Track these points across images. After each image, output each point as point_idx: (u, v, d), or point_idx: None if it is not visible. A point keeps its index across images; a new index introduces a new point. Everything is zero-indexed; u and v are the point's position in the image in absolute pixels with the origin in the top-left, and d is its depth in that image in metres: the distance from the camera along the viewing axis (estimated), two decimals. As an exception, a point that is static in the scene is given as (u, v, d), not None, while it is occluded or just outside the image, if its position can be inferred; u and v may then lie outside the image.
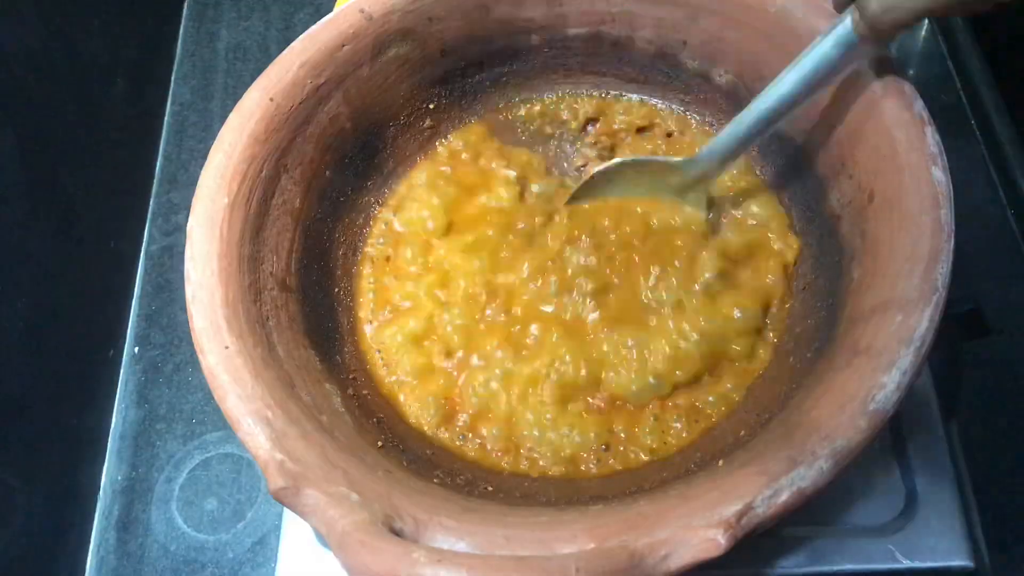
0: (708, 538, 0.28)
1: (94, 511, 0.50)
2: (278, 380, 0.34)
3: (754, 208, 0.45)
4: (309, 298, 0.41)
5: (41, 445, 0.48)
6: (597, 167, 0.45)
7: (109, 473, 0.51)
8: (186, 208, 0.38)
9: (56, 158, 0.52)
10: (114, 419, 0.53)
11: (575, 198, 0.46)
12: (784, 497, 0.29)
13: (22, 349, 0.47)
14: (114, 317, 0.56)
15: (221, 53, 0.68)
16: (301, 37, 0.42)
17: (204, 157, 0.39)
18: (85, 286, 0.54)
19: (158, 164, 0.62)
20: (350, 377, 0.41)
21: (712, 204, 0.45)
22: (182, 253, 0.37)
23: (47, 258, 0.50)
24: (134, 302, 0.57)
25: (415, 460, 0.38)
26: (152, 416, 0.53)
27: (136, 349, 0.55)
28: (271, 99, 0.40)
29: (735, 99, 0.46)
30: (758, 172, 0.47)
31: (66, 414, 0.50)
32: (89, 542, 0.49)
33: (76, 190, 0.53)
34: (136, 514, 0.50)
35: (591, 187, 0.45)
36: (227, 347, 0.34)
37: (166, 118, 0.65)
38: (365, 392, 0.41)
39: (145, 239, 0.59)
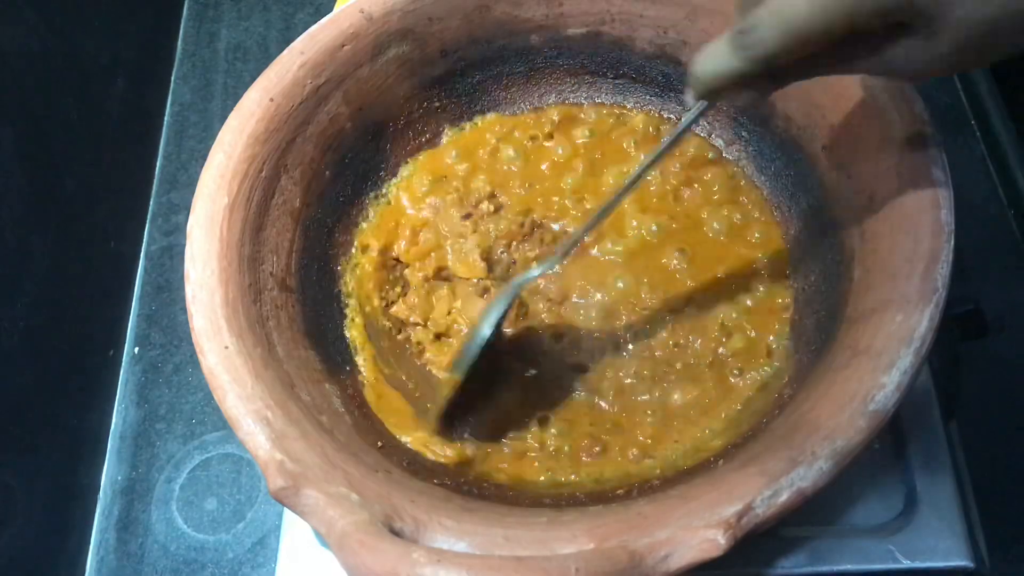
0: (708, 538, 0.28)
1: (94, 511, 0.50)
2: (278, 380, 0.34)
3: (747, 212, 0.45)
4: (309, 298, 0.41)
5: (41, 445, 0.48)
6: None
7: (109, 473, 0.51)
8: (186, 208, 0.38)
9: (56, 158, 0.52)
10: (114, 419, 0.53)
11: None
12: (784, 497, 0.29)
13: (22, 349, 0.47)
14: (114, 317, 0.56)
15: (221, 53, 0.68)
16: (301, 37, 0.42)
17: (204, 157, 0.39)
18: (85, 286, 0.54)
19: (158, 164, 0.63)
20: (350, 377, 0.41)
21: None
22: (182, 253, 0.37)
23: (47, 258, 0.50)
24: (134, 302, 0.57)
25: (414, 460, 0.38)
26: (152, 416, 0.53)
27: (136, 349, 0.55)
28: (271, 99, 0.40)
29: (735, 99, 0.46)
30: (756, 174, 0.47)
31: (66, 414, 0.50)
32: (89, 542, 0.49)
33: (76, 190, 0.53)
34: (136, 514, 0.50)
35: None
36: (227, 347, 0.34)
37: (166, 118, 0.65)
38: (365, 392, 0.41)
39: (145, 239, 0.59)
